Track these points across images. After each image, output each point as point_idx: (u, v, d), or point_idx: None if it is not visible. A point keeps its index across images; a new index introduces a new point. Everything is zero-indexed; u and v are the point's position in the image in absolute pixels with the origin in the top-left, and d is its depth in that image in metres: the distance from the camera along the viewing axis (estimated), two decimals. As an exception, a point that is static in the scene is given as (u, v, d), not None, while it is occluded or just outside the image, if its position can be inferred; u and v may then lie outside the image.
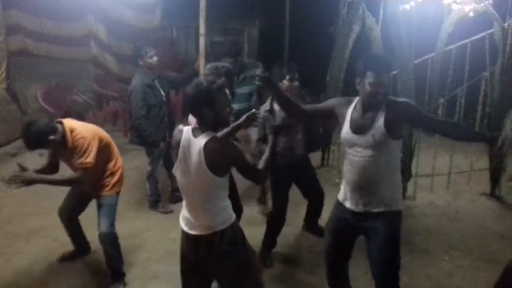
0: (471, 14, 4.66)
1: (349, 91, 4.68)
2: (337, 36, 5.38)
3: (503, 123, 4.60)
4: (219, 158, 2.18)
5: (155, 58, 4.28)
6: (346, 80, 5.08)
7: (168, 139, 4.37)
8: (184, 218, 2.37)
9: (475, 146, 5.22)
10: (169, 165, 4.56)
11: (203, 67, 4.75)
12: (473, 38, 5.02)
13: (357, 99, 2.50)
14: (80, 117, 6.42)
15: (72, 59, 5.77)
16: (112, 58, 5.50)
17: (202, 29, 4.69)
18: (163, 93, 4.46)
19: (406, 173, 4.81)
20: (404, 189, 4.89)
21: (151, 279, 3.43)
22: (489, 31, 4.81)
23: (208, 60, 4.59)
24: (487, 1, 4.65)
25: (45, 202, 4.67)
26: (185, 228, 2.35)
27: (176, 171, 2.32)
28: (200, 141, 2.17)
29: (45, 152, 3.38)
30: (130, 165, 5.87)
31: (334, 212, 2.70)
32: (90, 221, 3.58)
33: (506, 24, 4.68)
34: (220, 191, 2.29)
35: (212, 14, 5.02)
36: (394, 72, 4.22)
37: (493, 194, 4.97)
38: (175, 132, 2.36)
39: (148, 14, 5.59)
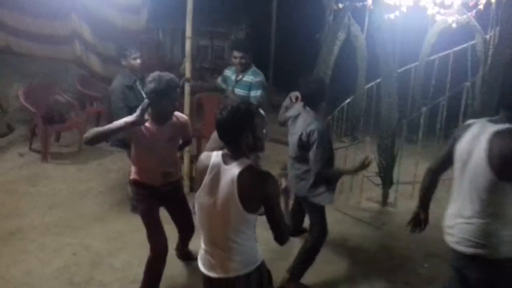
0: (454, 25, 4.76)
1: (333, 97, 4.75)
2: (323, 43, 5.43)
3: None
4: (254, 191, 1.94)
5: (138, 61, 4.24)
6: (331, 86, 5.11)
7: None
8: (202, 257, 2.13)
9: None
10: None
11: (189, 70, 4.75)
12: (455, 48, 5.13)
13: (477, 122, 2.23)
14: (62, 117, 6.34)
15: (55, 58, 5.67)
16: (96, 59, 5.44)
17: (188, 32, 4.68)
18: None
19: (388, 181, 4.86)
20: (386, 196, 4.95)
21: (131, 283, 3.39)
22: (471, 42, 4.91)
23: (194, 63, 4.58)
24: (470, 13, 4.75)
25: (22, 203, 4.60)
26: (203, 269, 2.11)
27: (198, 200, 2.08)
28: (234, 170, 1.95)
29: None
30: (112, 166, 5.82)
31: None
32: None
33: (487, 36, 4.79)
34: (249, 229, 2.02)
35: (199, 17, 5.02)
36: (378, 80, 4.26)
37: (472, 202, 5.04)
38: (202, 157, 2.13)
39: (134, 15, 5.54)
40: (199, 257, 2.16)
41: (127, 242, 4.00)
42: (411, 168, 5.17)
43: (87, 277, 3.43)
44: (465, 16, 4.72)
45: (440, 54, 5.12)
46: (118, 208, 4.67)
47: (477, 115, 4.82)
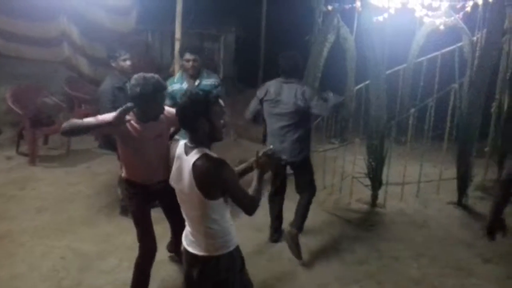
0: (442, 27, 4.80)
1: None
2: (312, 45, 5.44)
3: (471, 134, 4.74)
4: (209, 179, 2.01)
5: (128, 62, 4.21)
6: (320, 89, 5.13)
7: None
8: (184, 232, 2.28)
9: (444, 156, 5.36)
10: None
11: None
12: (443, 50, 5.16)
13: None
14: (50, 119, 6.28)
15: (43, 60, 5.62)
16: (85, 60, 5.40)
17: (178, 34, 4.67)
18: None
19: (377, 182, 4.89)
20: (375, 197, 4.97)
21: (121, 286, 3.36)
22: (459, 44, 4.96)
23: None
24: (457, 15, 4.80)
25: (10, 206, 4.55)
26: (184, 243, 2.25)
27: (173, 185, 2.21)
28: (190, 159, 2.03)
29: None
30: (101, 169, 5.78)
31: None
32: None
33: (474, 38, 4.84)
34: (215, 215, 2.10)
35: (188, 19, 5.01)
36: (367, 82, 4.29)
37: (460, 203, 5.09)
38: (172, 144, 2.23)
39: (123, 16, 5.52)
40: (183, 233, 2.29)
41: (116, 245, 3.98)
42: (400, 169, 5.21)
43: (76, 281, 3.40)
44: (452, 18, 4.76)
45: (428, 56, 5.16)
46: (107, 211, 4.64)
47: (464, 116, 4.88)
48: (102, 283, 3.40)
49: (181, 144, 2.16)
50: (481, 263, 3.91)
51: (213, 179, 2.00)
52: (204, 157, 2.02)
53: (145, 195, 3.03)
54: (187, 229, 2.24)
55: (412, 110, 5.13)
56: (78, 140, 6.26)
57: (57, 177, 5.54)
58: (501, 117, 5.46)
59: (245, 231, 3.95)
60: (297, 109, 3.64)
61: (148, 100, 2.73)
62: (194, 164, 2.00)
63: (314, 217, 4.30)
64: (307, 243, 4.03)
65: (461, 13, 4.80)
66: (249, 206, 2.12)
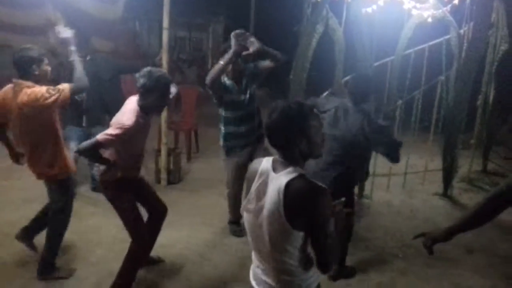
0: (430, 19, 4.82)
1: (311, 90, 4.76)
2: (301, 36, 5.43)
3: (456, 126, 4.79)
4: (302, 204, 1.65)
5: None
6: (309, 80, 5.13)
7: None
8: (252, 269, 1.94)
9: (430, 148, 5.41)
10: None
11: (166, 62, 4.69)
12: (431, 43, 5.19)
13: None
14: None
15: (28, 48, 5.53)
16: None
17: (165, 23, 4.62)
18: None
19: (364, 173, 4.92)
20: (362, 188, 5.02)
21: (106, 277, 3.34)
22: (446, 37, 4.98)
23: (171, 54, 4.53)
24: (445, 8, 4.82)
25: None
26: (253, 283, 1.91)
27: (244, 210, 1.85)
28: (281, 178, 1.70)
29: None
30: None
31: None
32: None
33: (462, 31, 4.87)
34: (294, 248, 1.72)
35: (176, 8, 4.96)
36: (354, 74, 4.29)
37: (446, 194, 5.17)
38: (253, 162, 1.92)
39: (110, 4, 5.43)
40: (250, 269, 1.96)
41: (102, 236, 3.96)
42: (386, 161, 5.24)
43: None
44: (440, 11, 4.78)
45: (416, 48, 5.18)
46: (93, 202, 4.61)
47: (450, 108, 4.92)
48: (89, 274, 3.40)
49: (265, 159, 1.85)
50: (464, 253, 3.99)
51: (306, 206, 1.65)
52: (301, 178, 1.69)
53: (132, 189, 3.06)
54: (256, 267, 1.91)
55: (399, 102, 5.16)
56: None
57: (43, 167, 5.46)
58: (487, 109, 5.53)
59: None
60: (354, 141, 3.24)
61: (151, 91, 2.77)
62: (288, 184, 1.66)
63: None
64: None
65: (449, 6, 4.82)
66: (328, 258, 1.72)
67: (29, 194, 4.64)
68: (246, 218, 1.86)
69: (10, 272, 3.38)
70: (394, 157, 3.34)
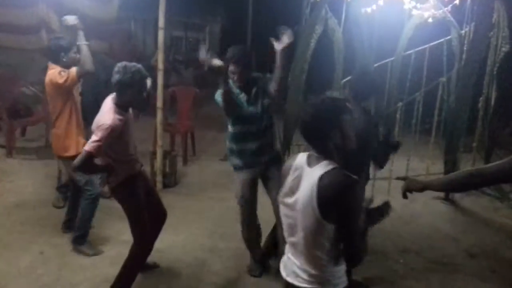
0: (430, 20, 4.76)
1: (310, 91, 4.69)
2: (300, 36, 5.36)
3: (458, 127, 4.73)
4: (335, 196, 1.67)
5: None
6: (307, 80, 5.06)
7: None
8: (283, 260, 1.96)
9: (431, 151, 5.34)
10: None
11: (161, 62, 4.64)
12: (431, 44, 5.13)
13: None
14: (28, 110, 6.12)
15: (21, 48, 5.49)
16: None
17: (161, 23, 4.57)
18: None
19: (364, 176, 4.84)
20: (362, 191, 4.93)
21: (101, 282, 3.26)
22: (447, 38, 4.93)
23: (167, 54, 4.45)
24: (446, 8, 4.76)
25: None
26: (283, 273, 1.93)
27: (279, 203, 1.89)
28: (315, 171, 1.72)
29: None
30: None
31: None
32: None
33: (463, 31, 4.81)
34: (326, 242, 1.74)
35: (172, 7, 4.90)
36: (358, 70, 4.23)
37: (447, 197, 5.10)
38: (288, 159, 1.94)
39: (104, 4, 5.37)
40: (281, 261, 1.98)
41: (95, 240, 3.87)
42: (387, 164, 5.18)
43: (55, 276, 3.30)
44: (441, 11, 4.73)
45: (417, 49, 5.12)
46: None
47: (451, 109, 4.86)
48: (82, 279, 3.30)
49: (301, 155, 1.88)
50: (466, 258, 3.93)
51: (339, 198, 1.67)
52: (336, 170, 1.71)
53: (140, 187, 3.03)
54: (287, 258, 1.94)
55: (400, 103, 5.09)
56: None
57: (35, 169, 5.41)
58: (488, 112, 5.46)
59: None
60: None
61: (127, 89, 2.75)
62: (321, 177, 1.69)
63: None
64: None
65: (450, 6, 4.77)
66: (357, 249, 1.78)
67: (20, 197, 4.60)
68: (282, 211, 1.89)
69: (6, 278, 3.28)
70: (381, 162, 3.40)
